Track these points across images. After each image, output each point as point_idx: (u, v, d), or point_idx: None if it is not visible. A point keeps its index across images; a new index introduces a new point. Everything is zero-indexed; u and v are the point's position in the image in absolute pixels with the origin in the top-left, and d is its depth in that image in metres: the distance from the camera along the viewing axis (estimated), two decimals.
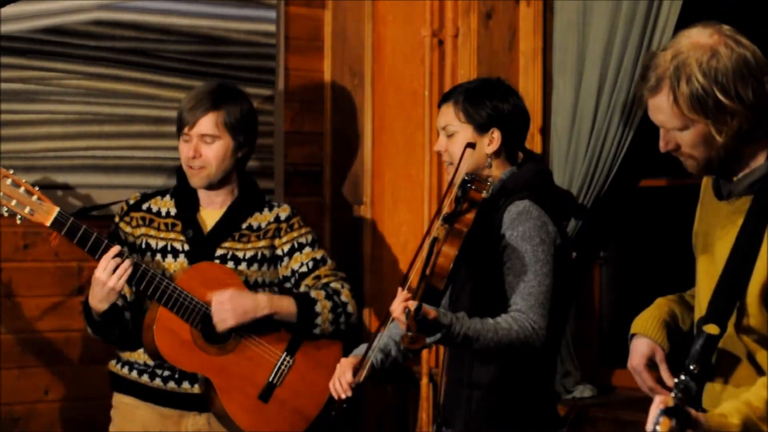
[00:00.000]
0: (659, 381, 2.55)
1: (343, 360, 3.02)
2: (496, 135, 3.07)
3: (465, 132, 3.08)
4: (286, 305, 3.50)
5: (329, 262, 3.65)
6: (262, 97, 4.26)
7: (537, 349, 2.87)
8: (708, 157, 2.40)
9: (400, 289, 2.74)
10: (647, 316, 2.62)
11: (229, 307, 3.41)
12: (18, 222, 3.33)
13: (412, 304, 2.62)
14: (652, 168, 4.06)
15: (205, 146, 3.49)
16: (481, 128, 3.07)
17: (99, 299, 3.36)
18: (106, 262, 3.33)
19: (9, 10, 3.67)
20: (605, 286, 4.18)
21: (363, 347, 3.07)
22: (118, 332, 3.47)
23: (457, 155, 3.05)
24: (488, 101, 3.08)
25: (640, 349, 2.58)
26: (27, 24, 3.78)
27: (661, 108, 2.38)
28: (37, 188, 3.37)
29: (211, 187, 3.55)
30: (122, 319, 3.46)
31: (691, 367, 2.28)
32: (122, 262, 3.33)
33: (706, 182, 2.58)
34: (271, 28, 4.28)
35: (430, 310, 2.68)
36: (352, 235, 4.39)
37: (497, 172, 3.08)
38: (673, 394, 2.16)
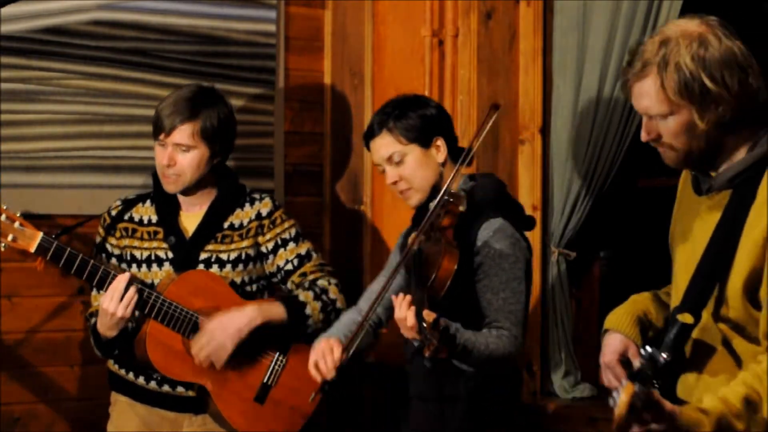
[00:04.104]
0: None
1: (323, 341, 3.01)
2: (440, 142, 3.13)
3: (413, 152, 3.11)
4: (276, 312, 3.48)
5: (314, 256, 3.63)
6: (262, 97, 4.26)
7: (514, 362, 2.98)
8: (689, 147, 2.41)
9: (395, 297, 2.77)
10: (621, 312, 2.65)
11: (220, 334, 3.38)
12: (2, 249, 3.32)
13: (430, 316, 2.65)
14: (652, 168, 4.06)
15: (181, 154, 3.46)
16: (426, 142, 3.11)
17: (108, 328, 3.36)
18: (113, 292, 3.31)
19: (9, 10, 3.67)
20: (605, 286, 4.18)
21: (332, 333, 3.10)
22: (128, 353, 3.47)
23: (414, 178, 3.09)
24: (414, 113, 3.11)
25: (612, 344, 2.60)
26: (27, 24, 3.78)
27: (646, 93, 2.39)
28: (18, 214, 3.35)
29: (187, 192, 3.53)
30: (130, 341, 3.45)
31: (664, 355, 2.31)
32: (128, 290, 3.32)
33: (684, 180, 2.61)
34: (271, 28, 4.28)
35: (443, 321, 2.72)
36: (352, 235, 4.39)
37: (452, 182, 3.08)
38: (638, 363, 2.17)
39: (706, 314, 2.40)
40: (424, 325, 2.63)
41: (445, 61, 4.11)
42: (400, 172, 3.11)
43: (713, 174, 2.47)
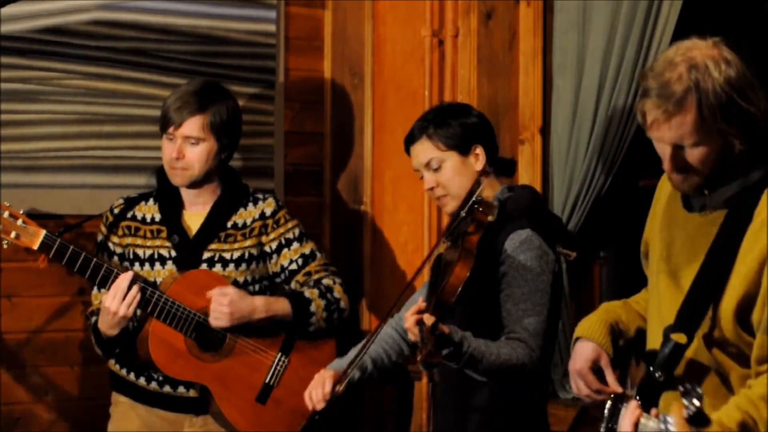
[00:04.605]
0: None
1: (322, 371, 3.09)
2: (479, 151, 3.11)
3: (452, 159, 3.10)
4: (282, 307, 3.50)
5: (318, 256, 3.64)
6: (262, 97, 4.26)
7: (528, 375, 2.92)
8: (712, 170, 2.38)
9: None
10: (593, 320, 2.63)
11: (227, 310, 3.41)
12: (5, 246, 3.32)
13: (430, 319, 2.64)
14: (652, 168, 4.06)
15: (189, 147, 3.46)
16: (465, 149, 3.10)
17: (110, 326, 3.36)
18: (116, 290, 3.32)
19: (9, 10, 3.67)
20: (605, 286, 4.17)
21: (342, 361, 3.14)
22: (129, 353, 3.48)
23: (451, 185, 3.08)
24: (454, 121, 3.10)
25: (584, 352, 2.58)
26: (27, 24, 3.78)
27: (685, 124, 2.32)
28: (21, 212, 3.35)
29: (193, 185, 3.53)
30: (131, 341, 3.46)
31: (657, 375, 2.30)
32: (130, 288, 3.32)
33: (670, 194, 2.56)
34: (271, 28, 4.28)
35: (444, 327, 2.71)
36: (352, 235, 4.39)
37: (489, 190, 3.08)
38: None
39: (697, 335, 2.39)
40: (423, 327, 2.62)
41: (445, 61, 4.11)
42: (438, 179, 3.10)
43: (706, 192, 2.45)
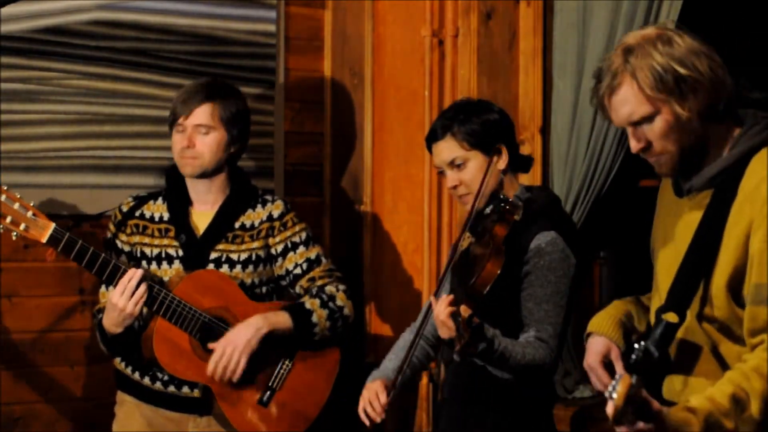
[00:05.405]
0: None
1: (370, 384, 3.10)
2: (502, 149, 3.09)
3: (476, 158, 3.07)
4: (282, 321, 3.46)
5: (324, 261, 3.62)
6: (262, 97, 4.26)
7: (545, 374, 2.99)
8: (680, 145, 2.42)
9: (433, 297, 2.82)
10: (603, 316, 2.66)
11: (231, 350, 3.38)
12: (14, 238, 3.32)
13: (466, 311, 2.66)
14: (652, 168, 4.06)
15: (200, 137, 3.46)
16: (488, 148, 3.07)
17: (115, 324, 3.34)
18: (123, 287, 3.31)
19: (9, 10, 3.68)
20: (605, 286, 4.18)
21: (383, 370, 3.15)
22: (133, 351, 3.47)
23: (474, 183, 3.05)
24: (477, 118, 3.08)
25: (595, 347, 2.61)
26: (27, 24, 3.78)
27: (626, 99, 2.40)
28: (32, 203, 3.35)
29: (204, 176, 3.51)
30: (136, 339, 3.45)
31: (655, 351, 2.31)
32: (138, 286, 3.31)
33: (663, 188, 2.62)
34: (271, 28, 4.28)
35: (478, 320, 2.73)
36: (352, 235, 4.39)
37: (510, 189, 3.09)
38: (633, 356, 2.17)
39: (690, 315, 2.41)
40: (459, 319, 2.64)
41: (445, 61, 4.11)
42: (461, 177, 3.08)
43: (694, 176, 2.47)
